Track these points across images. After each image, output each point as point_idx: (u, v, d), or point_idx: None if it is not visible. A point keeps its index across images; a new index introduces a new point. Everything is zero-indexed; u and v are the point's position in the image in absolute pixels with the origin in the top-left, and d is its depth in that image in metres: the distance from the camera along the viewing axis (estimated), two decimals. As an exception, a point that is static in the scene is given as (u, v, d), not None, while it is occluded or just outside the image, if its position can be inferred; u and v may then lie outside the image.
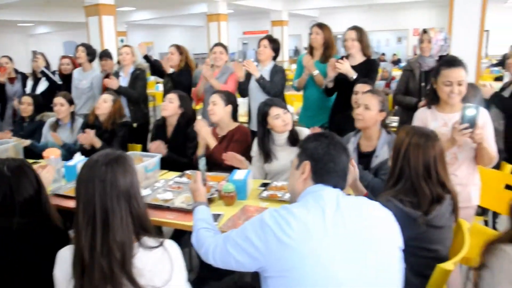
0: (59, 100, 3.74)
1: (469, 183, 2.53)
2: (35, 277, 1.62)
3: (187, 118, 3.45)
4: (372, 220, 1.45)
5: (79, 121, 3.85)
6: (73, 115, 3.85)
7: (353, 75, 3.44)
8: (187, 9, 14.97)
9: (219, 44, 4.32)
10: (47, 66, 5.12)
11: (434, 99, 2.62)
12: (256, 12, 16.76)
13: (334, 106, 3.81)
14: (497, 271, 1.37)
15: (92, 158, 1.43)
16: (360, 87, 3.24)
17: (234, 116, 3.28)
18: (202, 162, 2.36)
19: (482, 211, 3.21)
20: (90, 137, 3.36)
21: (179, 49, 4.53)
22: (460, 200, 2.26)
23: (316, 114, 3.90)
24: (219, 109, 3.16)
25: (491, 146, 2.44)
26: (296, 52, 19.68)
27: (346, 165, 1.56)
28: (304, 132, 2.93)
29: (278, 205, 2.36)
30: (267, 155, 2.93)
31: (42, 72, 4.97)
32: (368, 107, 2.64)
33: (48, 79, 4.97)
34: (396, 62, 15.09)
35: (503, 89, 3.43)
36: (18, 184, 1.69)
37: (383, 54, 17.78)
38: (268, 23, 16.68)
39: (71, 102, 3.82)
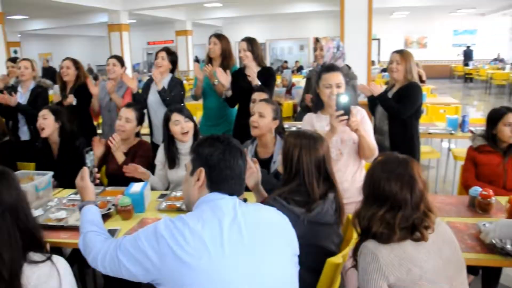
0: None
1: (356, 179, 2.71)
2: None
3: (69, 132, 3.28)
4: (268, 230, 1.45)
5: None
6: None
7: (257, 82, 3.55)
8: (87, 19, 14.40)
9: (112, 57, 4.22)
10: None
11: (318, 104, 2.83)
12: (160, 22, 16.58)
13: (237, 115, 3.89)
14: (365, 264, 1.54)
15: None
16: (257, 95, 3.34)
17: (138, 134, 3.27)
18: (90, 157, 2.09)
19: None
20: None
21: (76, 63, 4.26)
22: (348, 196, 2.43)
23: (217, 124, 3.94)
24: (131, 127, 3.12)
25: (370, 138, 2.66)
26: (197, 61, 19.75)
27: (242, 170, 1.52)
28: None
29: (176, 215, 2.38)
30: (171, 160, 2.95)
31: None
32: (262, 114, 2.77)
33: None
34: (298, 69, 15.88)
35: (385, 92, 3.72)
36: None
37: (286, 61, 18.51)
38: (172, 33, 16.59)
39: None
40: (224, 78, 3.62)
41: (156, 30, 19.58)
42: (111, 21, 12.10)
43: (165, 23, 16.64)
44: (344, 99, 2.41)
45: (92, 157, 2.10)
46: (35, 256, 1.34)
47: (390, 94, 3.60)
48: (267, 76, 3.77)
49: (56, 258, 1.38)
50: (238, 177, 1.50)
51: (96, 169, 2.02)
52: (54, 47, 21.34)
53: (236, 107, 3.91)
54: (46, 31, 17.09)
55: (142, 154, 3.10)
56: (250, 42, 3.74)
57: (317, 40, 3.62)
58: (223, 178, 1.47)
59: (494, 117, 2.88)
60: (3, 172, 1.38)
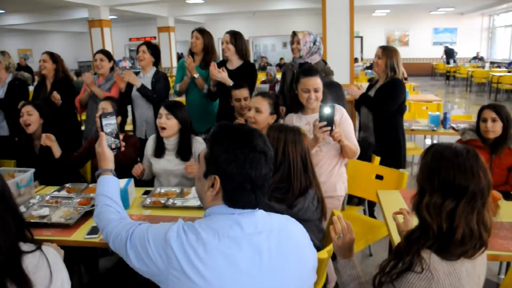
0: None
1: (333, 174, 2.73)
2: None
3: (53, 127, 3.24)
4: (291, 252, 1.32)
5: None
6: None
7: (230, 83, 3.51)
8: (67, 14, 14.12)
9: (99, 52, 4.16)
10: None
11: (298, 105, 2.82)
12: (142, 18, 16.41)
13: (219, 112, 3.87)
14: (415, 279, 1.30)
15: None
16: (239, 93, 3.31)
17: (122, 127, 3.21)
18: (107, 122, 1.81)
19: (358, 201, 3.48)
20: None
21: (53, 57, 4.21)
22: (325, 190, 2.45)
23: (200, 119, 3.91)
24: None
25: (351, 140, 2.68)
26: (180, 57, 19.62)
27: (267, 178, 1.29)
28: (197, 140, 2.92)
29: (161, 212, 2.37)
30: (158, 149, 2.90)
31: None
32: (259, 110, 2.76)
33: None
34: (282, 65, 15.79)
35: (370, 87, 3.75)
36: None
37: (264, 57, 18.38)
38: (154, 29, 16.43)
39: None
40: (219, 74, 3.53)
41: (138, 26, 19.36)
42: (91, 17, 11.89)
43: (147, 19, 16.47)
44: (327, 110, 2.44)
45: (112, 121, 1.82)
46: (24, 246, 1.31)
47: (373, 90, 3.62)
48: (249, 70, 3.76)
49: (46, 248, 1.34)
50: (260, 188, 1.29)
51: (118, 135, 1.82)
52: (34, 43, 20.91)
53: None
54: (25, 26, 16.73)
55: (132, 143, 3.07)
56: (234, 35, 3.73)
57: (294, 34, 3.59)
58: (241, 193, 1.27)
59: (478, 114, 2.94)
60: None
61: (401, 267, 1.31)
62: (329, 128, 2.44)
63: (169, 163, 2.88)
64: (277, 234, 1.30)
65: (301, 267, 1.35)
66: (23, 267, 1.26)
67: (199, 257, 1.20)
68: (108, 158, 1.71)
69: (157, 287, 1.32)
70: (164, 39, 15.59)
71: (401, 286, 1.30)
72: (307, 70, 2.76)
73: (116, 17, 14.56)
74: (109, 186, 1.62)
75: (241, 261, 1.22)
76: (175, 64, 15.95)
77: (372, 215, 3.65)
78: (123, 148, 1.85)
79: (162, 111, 2.81)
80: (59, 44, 19.13)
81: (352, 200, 3.41)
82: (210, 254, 1.21)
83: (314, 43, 3.56)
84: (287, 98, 3.61)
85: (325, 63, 3.70)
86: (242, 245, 1.23)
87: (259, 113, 2.75)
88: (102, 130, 1.77)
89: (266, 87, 7.50)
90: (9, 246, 1.26)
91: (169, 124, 2.79)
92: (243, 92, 3.27)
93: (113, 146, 1.77)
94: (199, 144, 2.88)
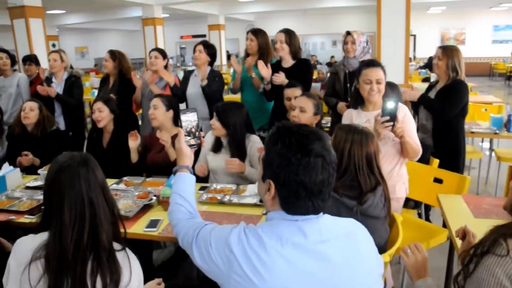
0: None
1: (393, 175, 2.65)
2: None
3: (121, 122, 3.38)
4: (356, 258, 1.27)
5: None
6: (1, 126, 3.68)
7: (286, 82, 3.50)
8: (122, 13, 14.62)
9: (155, 49, 4.27)
10: None
11: (358, 100, 2.77)
12: (193, 16, 16.69)
13: (273, 110, 3.86)
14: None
15: (60, 162, 1.45)
16: (290, 92, 3.28)
17: (176, 121, 3.23)
18: (186, 118, 1.79)
19: (415, 205, 3.37)
20: (28, 159, 3.26)
21: (113, 55, 4.33)
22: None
23: (255, 117, 3.90)
24: (159, 114, 3.11)
25: (413, 139, 2.59)
26: (229, 57, 19.70)
27: (325, 183, 1.21)
28: (252, 138, 2.92)
29: (217, 208, 2.38)
30: (217, 144, 2.92)
31: None
32: (303, 109, 2.74)
33: None
34: (333, 64, 15.42)
35: (430, 88, 3.62)
36: None
37: (313, 55, 18.13)
38: (205, 27, 16.67)
39: None
40: (265, 72, 3.58)
41: (189, 24, 19.68)
42: (145, 15, 12.26)
43: (198, 17, 16.74)
44: (390, 105, 2.38)
45: (191, 117, 1.80)
46: (114, 244, 1.43)
47: (434, 91, 3.49)
48: (305, 68, 3.71)
49: (128, 250, 1.46)
50: (318, 194, 1.21)
51: (198, 131, 1.80)
52: (90, 40, 21.76)
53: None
54: (82, 25, 17.43)
55: None
56: (288, 34, 3.70)
57: (348, 34, 3.54)
58: (296, 199, 1.21)
59: None
60: (88, 156, 1.49)
61: (481, 250, 1.27)
62: (391, 123, 2.38)
63: (221, 159, 2.89)
64: (343, 242, 1.26)
65: (368, 276, 1.30)
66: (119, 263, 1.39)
67: (261, 261, 1.18)
68: (185, 154, 1.71)
69: (212, 283, 1.33)
70: (215, 37, 15.79)
71: (478, 273, 1.25)
72: (370, 61, 2.72)
73: (168, 15, 14.90)
74: (183, 183, 1.63)
75: (305, 269, 1.19)
76: (224, 62, 16.12)
77: (427, 219, 3.53)
78: (203, 145, 1.85)
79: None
80: (113, 42, 19.75)
81: (408, 203, 3.30)
82: (272, 258, 1.18)
83: (367, 43, 3.54)
84: (343, 95, 3.58)
85: None
86: (306, 253, 1.20)
87: (303, 112, 2.75)
88: (181, 126, 1.77)
89: (317, 85, 7.39)
90: (109, 242, 1.40)
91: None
92: (295, 91, 3.24)
93: (192, 142, 1.77)
94: (252, 143, 2.88)
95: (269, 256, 1.18)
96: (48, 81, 4.43)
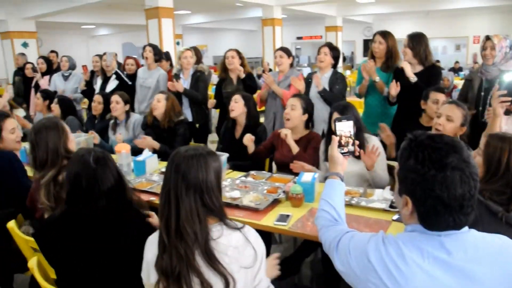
0: (115, 98, 4.03)
1: None
2: (120, 259, 1.72)
3: (254, 118, 3.54)
4: (506, 281, 1.19)
5: (134, 117, 4.10)
6: (128, 113, 4.09)
7: (414, 78, 3.40)
8: (242, 13, 15.17)
9: (279, 49, 4.37)
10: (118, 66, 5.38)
11: None
12: (310, 17, 16.74)
13: (397, 113, 3.75)
14: None
15: (180, 151, 1.53)
16: (439, 96, 3.09)
17: (307, 125, 3.29)
18: (340, 126, 1.81)
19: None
20: (146, 142, 3.52)
21: (239, 53, 4.54)
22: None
23: (378, 121, 3.83)
24: (295, 115, 3.16)
25: None
26: (345, 59, 19.36)
27: (465, 194, 1.14)
28: (372, 139, 2.87)
29: (345, 210, 2.36)
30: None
31: (116, 73, 5.22)
32: (451, 118, 2.59)
33: (120, 79, 5.20)
34: (457, 70, 14.40)
35: None
36: (102, 175, 1.80)
37: (437, 61, 17.05)
38: (322, 28, 16.65)
39: (127, 102, 4.08)
40: (301, 85, 3.73)
41: (305, 25, 19.76)
42: (265, 16, 12.62)
43: (315, 18, 16.75)
44: (509, 77, 2.09)
45: (346, 125, 1.81)
46: (230, 223, 1.50)
47: None
48: (430, 75, 3.53)
49: (247, 228, 1.52)
50: (459, 209, 1.15)
51: (352, 139, 1.82)
52: (209, 39, 22.90)
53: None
54: (204, 24, 18.40)
55: (315, 145, 3.12)
56: (412, 38, 3.54)
57: (487, 38, 3.28)
58: (435, 215, 1.17)
59: None
60: (201, 155, 1.51)
61: None
62: (510, 98, 2.07)
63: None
64: (491, 261, 1.19)
65: None
66: (233, 240, 1.45)
67: (399, 270, 1.18)
68: (337, 162, 1.74)
69: None
70: (331, 38, 15.70)
71: None
72: None
73: (286, 16, 15.15)
74: (332, 190, 1.68)
75: (446, 285, 1.15)
76: (341, 63, 15.91)
77: None
78: (357, 153, 1.86)
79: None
80: (231, 41, 20.60)
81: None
82: (411, 270, 1.17)
83: (510, 48, 3.22)
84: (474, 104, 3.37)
85: None
86: (448, 270, 1.16)
87: (450, 121, 2.57)
88: (336, 134, 1.80)
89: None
90: (194, 231, 1.43)
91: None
92: (439, 95, 3.08)
93: (345, 150, 1.80)
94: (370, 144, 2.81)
95: (409, 267, 1.17)
96: (177, 77, 4.76)
